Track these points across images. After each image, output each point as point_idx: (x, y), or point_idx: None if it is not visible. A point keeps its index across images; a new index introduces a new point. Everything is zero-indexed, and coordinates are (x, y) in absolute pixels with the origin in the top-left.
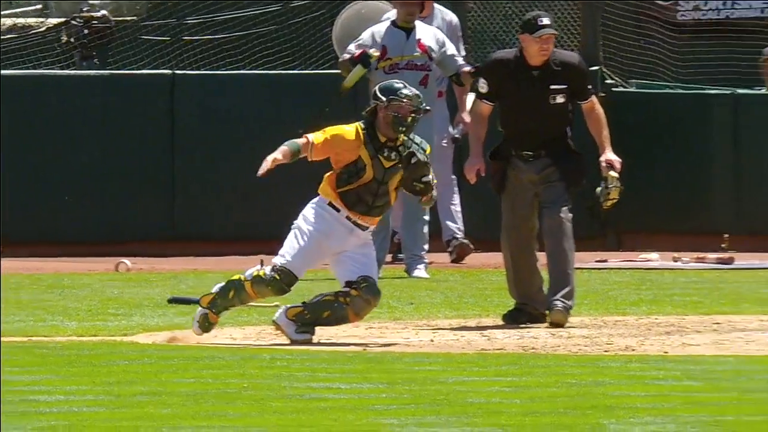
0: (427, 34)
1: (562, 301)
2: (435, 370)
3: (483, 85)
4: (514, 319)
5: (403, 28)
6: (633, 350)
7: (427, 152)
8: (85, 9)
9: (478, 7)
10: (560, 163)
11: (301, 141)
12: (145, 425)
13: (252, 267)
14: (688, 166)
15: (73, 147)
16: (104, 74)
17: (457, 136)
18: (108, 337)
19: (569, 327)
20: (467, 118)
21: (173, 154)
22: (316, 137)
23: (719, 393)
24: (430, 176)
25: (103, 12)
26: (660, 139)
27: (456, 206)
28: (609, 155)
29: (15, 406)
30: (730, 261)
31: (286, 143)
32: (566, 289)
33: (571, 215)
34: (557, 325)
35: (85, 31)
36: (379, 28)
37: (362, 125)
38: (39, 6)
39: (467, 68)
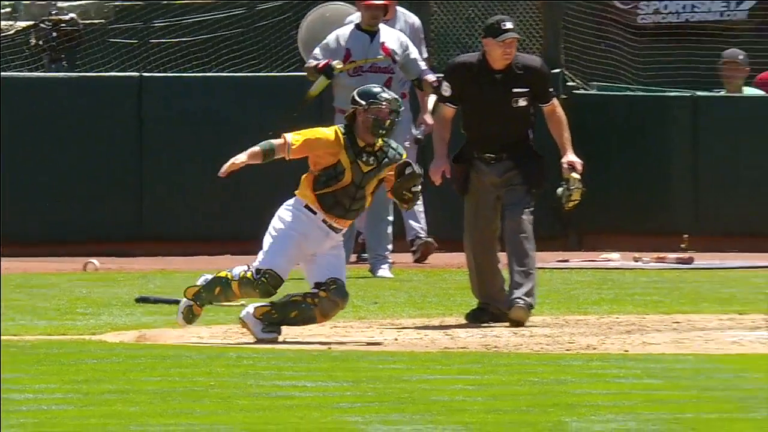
0: (390, 37)
1: (523, 299)
2: (399, 368)
3: (446, 89)
4: (476, 318)
5: (367, 32)
6: (594, 349)
7: (404, 157)
8: (53, 12)
9: (441, 10)
10: (522, 166)
11: (277, 141)
12: (113, 423)
13: (239, 266)
14: (648, 168)
15: (41, 148)
16: (72, 76)
17: (419, 137)
18: (76, 336)
19: (531, 326)
20: (429, 119)
21: (141, 155)
22: (294, 138)
23: (679, 391)
24: (419, 187)
25: (72, 15)
26: (620, 140)
27: (419, 206)
28: (570, 157)
29: None
30: (689, 261)
31: (259, 144)
32: (527, 287)
33: (532, 217)
34: (517, 322)
35: (54, 34)
36: (344, 32)
37: (342, 129)
38: (8, 9)
39: (431, 77)
